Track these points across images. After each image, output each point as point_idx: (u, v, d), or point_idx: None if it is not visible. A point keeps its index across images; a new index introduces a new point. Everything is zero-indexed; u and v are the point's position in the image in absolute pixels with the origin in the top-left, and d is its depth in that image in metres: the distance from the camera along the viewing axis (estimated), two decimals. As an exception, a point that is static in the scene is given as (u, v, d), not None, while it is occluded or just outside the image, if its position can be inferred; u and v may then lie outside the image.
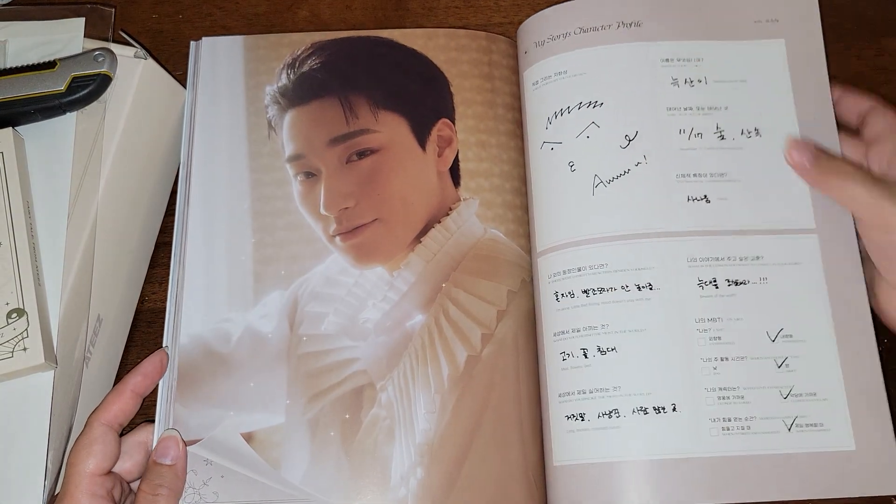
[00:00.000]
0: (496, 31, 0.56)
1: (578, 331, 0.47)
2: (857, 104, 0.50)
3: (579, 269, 0.48)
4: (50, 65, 0.49)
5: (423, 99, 0.53)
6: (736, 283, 0.47)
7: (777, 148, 0.50)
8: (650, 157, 0.50)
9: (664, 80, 0.51)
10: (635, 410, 0.46)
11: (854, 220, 0.48)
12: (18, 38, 0.52)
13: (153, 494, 0.43)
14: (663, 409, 0.45)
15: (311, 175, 0.52)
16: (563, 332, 0.48)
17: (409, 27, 0.62)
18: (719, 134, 0.50)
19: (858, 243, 0.48)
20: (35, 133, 0.49)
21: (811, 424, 0.45)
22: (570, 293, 0.48)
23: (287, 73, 0.54)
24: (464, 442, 0.46)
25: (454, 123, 0.53)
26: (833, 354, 0.46)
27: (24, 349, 0.43)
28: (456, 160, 0.52)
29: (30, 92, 0.48)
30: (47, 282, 0.46)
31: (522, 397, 0.48)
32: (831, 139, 0.50)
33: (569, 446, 0.46)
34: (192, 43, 0.55)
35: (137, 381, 0.46)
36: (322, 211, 0.51)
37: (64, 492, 0.43)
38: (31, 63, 0.49)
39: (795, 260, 0.48)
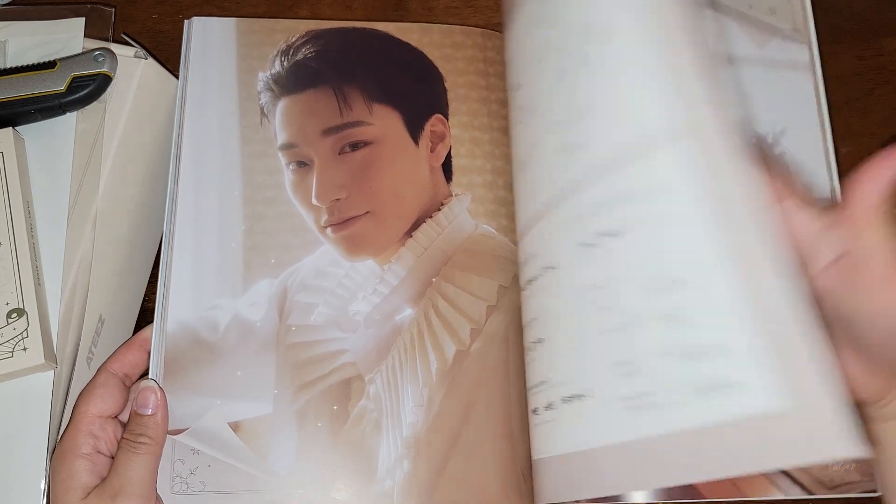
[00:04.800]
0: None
1: (528, 323, 0.46)
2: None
3: (524, 261, 0.47)
4: (50, 65, 0.49)
5: (417, 94, 0.53)
6: (610, 235, 0.39)
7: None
8: None
9: None
10: (564, 400, 0.42)
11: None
12: (18, 38, 0.52)
13: (135, 443, 0.43)
14: (582, 396, 0.40)
15: (303, 164, 0.51)
16: (525, 324, 0.47)
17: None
18: None
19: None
20: (35, 133, 0.49)
21: (725, 385, 0.34)
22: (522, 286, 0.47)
23: (281, 60, 0.53)
24: (451, 436, 0.47)
25: (448, 119, 0.53)
26: (731, 296, 0.34)
27: (24, 349, 0.43)
28: (448, 156, 0.53)
29: (30, 92, 0.48)
30: (47, 282, 0.46)
31: (511, 392, 0.48)
32: None
33: (534, 440, 0.45)
34: (185, 21, 0.54)
35: (147, 336, 0.47)
36: (313, 201, 0.51)
37: (65, 432, 0.44)
38: (31, 63, 0.49)
39: (663, 188, 0.37)
